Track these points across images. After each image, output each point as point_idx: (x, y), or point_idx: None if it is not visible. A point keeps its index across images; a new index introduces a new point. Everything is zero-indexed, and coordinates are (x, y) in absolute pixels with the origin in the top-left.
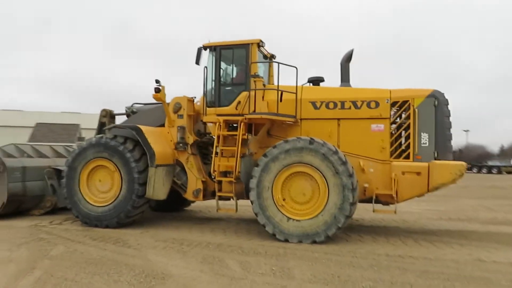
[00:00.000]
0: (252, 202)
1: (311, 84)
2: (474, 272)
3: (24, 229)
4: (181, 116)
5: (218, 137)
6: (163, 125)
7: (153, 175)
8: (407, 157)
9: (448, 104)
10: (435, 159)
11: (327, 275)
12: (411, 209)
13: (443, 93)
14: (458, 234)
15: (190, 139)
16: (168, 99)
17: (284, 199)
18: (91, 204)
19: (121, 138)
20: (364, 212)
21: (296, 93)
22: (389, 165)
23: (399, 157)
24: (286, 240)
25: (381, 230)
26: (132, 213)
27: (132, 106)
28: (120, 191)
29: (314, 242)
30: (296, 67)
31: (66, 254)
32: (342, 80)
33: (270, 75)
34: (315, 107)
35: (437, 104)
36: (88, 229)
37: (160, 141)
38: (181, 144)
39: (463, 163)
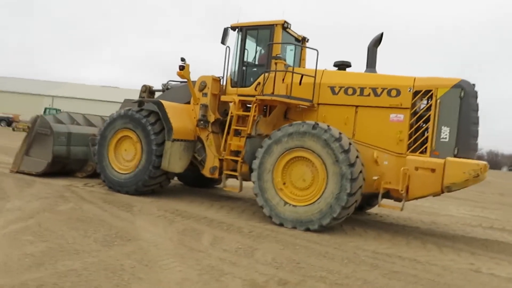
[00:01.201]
0: (253, 183)
1: (337, 68)
2: (455, 281)
3: (56, 187)
4: (205, 95)
5: (232, 116)
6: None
7: (169, 149)
8: (424, 152)
9: (476, 96)
10: (455, 156)
11: (288, 260)
12: (454, 213)
13: (472, 84)
14: (480, 244)
15: (212, 117)
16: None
17: (284, 183)
18: (116, 171)
19: (146, 112)
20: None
21: (315, 77)
22: (404, 159)
23: (416, 151)
24: (281, 224)
25: (396, 229)
26: (148, 182)
27: (167, 83)
28: (140, 161)
29: (308, 229)
30: (317, 50)
31: (68, 211)
32: (367, 66)
33: (302, 58)
34: (334, 92)
35: (463, 95)
36: (111, 194)
37: (181, 117)
38: (202, 122)
39: (482, 163)
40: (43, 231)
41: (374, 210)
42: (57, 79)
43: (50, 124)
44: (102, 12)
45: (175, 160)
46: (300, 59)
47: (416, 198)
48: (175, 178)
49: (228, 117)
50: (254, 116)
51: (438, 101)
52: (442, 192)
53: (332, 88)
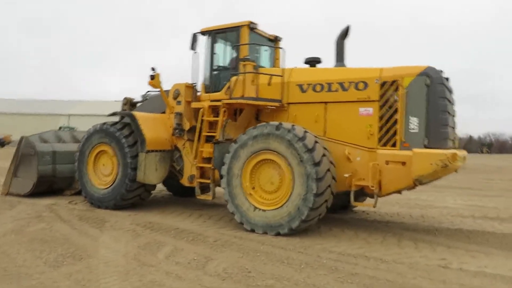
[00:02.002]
0: (224, 189)
1: (308, 66)
2: (415, 280)
3: (39, 206)
4: (179, 103)
5: (202, 122)
6: None
7: (143, 160)
8: (395, 145)
9: (444, 83)
10: (426, 147)
11: (240, 270)
12: (450, 204)
13: (439, 71)
14: (463, 236)
15: (187, 125)
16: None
17: (253, 188)
18: (96, 186)
19: (121, 124)
20: (383, 206)
21: (283, 76)
22: (376, 154)
23: (387, 145)
24: (253, 230)
25: (377, 226)
26: (126, 196)
27: (146, 93)
28: (117, 175)
29: (278, 234)
30: (282, 48)
31: (36, 231)
32: (336, 60)
33: (276, 58)
34: (302, 90)
35: (429, 83)
36: (91, 210)
37: (156, 127)
38: (177, 130)
39: (449, 152)
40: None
41: (362, 207)
42: (79, 97)
43: (34, 144)
44: (117, 25)
45: (151, 172)
46: (274, 59)
47: (390, 194)
48: (166, 189)
49: (198, 124)
50: (223, 121)
51: (405, 91)
52: (415, 185)
53: (300, 86)
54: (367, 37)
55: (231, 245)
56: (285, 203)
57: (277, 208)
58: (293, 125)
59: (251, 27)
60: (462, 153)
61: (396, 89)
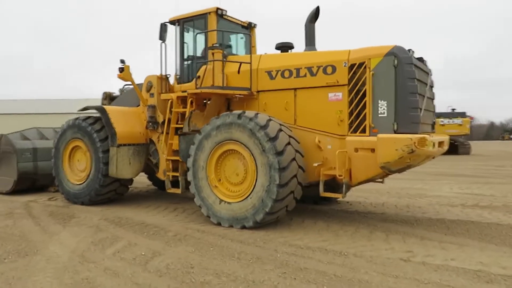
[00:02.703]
0: (190, 182)
1: (280, 52)
2: (366, 275)
3: (17, 203)
4: (152, 95)
5: (171, 114)
6: None
7: (114, 155)
8: (364, 131)
9: (413, 63)
10: (396, 132)
11: (184, 266)
12: (444, 193)
13: (408, 50)
14: (443, 227)
15: (161, 117)
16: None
17: (219, 180)
18: (71, 182)
19: (92, 119)
20: (371, 195)
21: (250, 63)
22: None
23: (357, 131)
24: (219, 224)
25: (354, 217)
26: (100, 191)
27: (124, 87)
28: (90, 170)
29: (244, 227)
30: (248, 34)
31: None
32: (306, 44)
33: (252, 45)
34: (271, 77)
35: (397, 63)
36: (66, 206)
37: (128, 121)
38: (150, 123)
39: (416, 136)
40: None
41: (348, 198)
42: (88, 96)
43: (12, 141)
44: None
45: (124, 166)
46: (250, 47)
47: (361, 183)
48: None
49: (167, 116)
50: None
51: (372, 73)
52: (386, 174)
53: (269, 73)
54: (368, 21)
55: (189, 239)
56: (249, 194)
57: (242, 200)
58: (256, 113)
59: (219, 13)
60: (438, 137)
61: (364, 72)
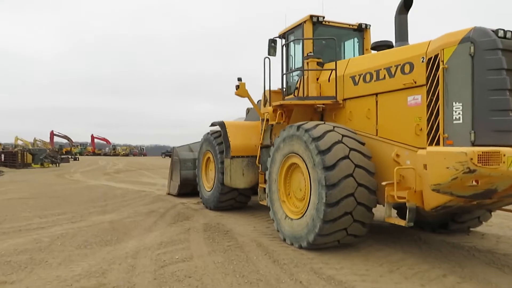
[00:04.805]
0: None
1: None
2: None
3: (171, 204)
4: None
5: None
6: None
7: (228, 166)
8: (439, 143)
9: (497, 47)
10: (473, 144)
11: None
12: None
13: (492, 31)
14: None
15: None
16: None
17: (288, 194)
18: (205, 188)
19: (217, 133)
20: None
21: (336, 70)
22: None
23: (433, 143)
24: (285, 240)
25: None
26: (220, 198)
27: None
28: (214, 179)
29: (300, 247)
30: (334, 39)
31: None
32: (397, 39)
33: (365, 48)
34: (354, 83)
35: (473, 51)
36: (197, 209)
37: (244, 134)
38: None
39: (477, 149)
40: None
41: (487, 229)
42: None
43: (178, 152)
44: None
45: (237, 176)
46: (363, 50)
47: (440, 209)
48: None
49: (263, 130)
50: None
51: (445, 67)
52: (469, 202)
53: (353, 78)
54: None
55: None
56: (305, 212)
57: (300, 218)
58: (317, 124)
59: (314, 21)
60: None
61: (437, 67)
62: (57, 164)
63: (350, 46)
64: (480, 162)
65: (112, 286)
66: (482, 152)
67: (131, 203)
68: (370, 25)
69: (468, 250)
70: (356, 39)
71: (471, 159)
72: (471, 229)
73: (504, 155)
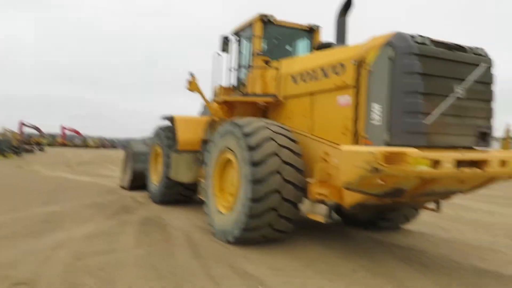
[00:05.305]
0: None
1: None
2: None
3: (119, 196)
4: None
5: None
6: None
7: (174, 159)
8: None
9: (413, 52)
10: (388, 144)
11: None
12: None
13: (411, 37)
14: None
15: None
16: None
17: (223, 189)
18: (152, 183)
19: (167, 127)
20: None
21: (278, 68)
22: None
23: (357, 142)
24: (216, 235)
25: (381, 252)
26: (166, 192)
27: None
28: (161, 172)
29: (228, 242)
30: (279, 38)
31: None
32: (337, 41)
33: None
34: (294, 81)
35: (394, 55)
36: (141, 202)
37: (194, 129)
38: None
39: (383, 150)
40: None
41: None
42: None
43: (132, 145)
44: None
45: (183, 171)
46: (311, 50)
47: (352, 205)
48: None
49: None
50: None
51: (370, 69)
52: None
53: (293, 77)
54: None
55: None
56: (234, 206)
57: (230, 213)
58: (251, 121)
59: (265, 20)
60: (474, 154)
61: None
62: (19, 154)
63: (304, 46)
64: (386, 162)
65: (18, 278)
66: (388, 153)
67: (81, 195)
68: (319, 26)
69: (388, 247)
70: (306, 40)
71: (377, 159)
72: (401, 226)
73: (409, 156)
